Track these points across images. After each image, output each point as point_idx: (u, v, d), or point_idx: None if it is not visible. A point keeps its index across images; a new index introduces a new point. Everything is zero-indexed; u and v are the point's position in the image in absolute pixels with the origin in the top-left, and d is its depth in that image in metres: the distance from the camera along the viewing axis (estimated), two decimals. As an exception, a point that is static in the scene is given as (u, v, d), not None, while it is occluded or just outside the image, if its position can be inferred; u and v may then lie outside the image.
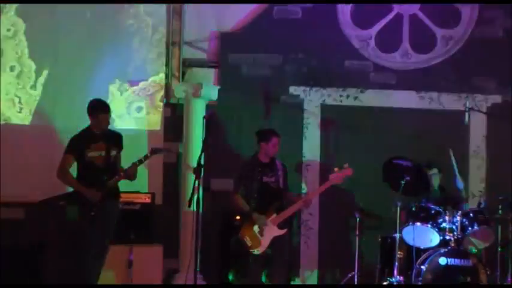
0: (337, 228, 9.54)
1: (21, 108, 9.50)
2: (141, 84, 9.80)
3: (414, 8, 10.02)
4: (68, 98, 9.63)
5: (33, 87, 9.50)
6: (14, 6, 9.44)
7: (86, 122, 8.09)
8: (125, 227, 8.54)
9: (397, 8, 10.02)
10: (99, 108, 8.09)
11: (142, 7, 9.75)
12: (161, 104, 9.81)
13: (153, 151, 8.29)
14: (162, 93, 9.82)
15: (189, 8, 9.92)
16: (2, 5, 9.44)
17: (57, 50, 9.69)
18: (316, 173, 9.79)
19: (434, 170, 9.17)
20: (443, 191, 9.24)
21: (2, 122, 9.47)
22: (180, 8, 9.89)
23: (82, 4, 9.63)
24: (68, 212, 8.08)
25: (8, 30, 9.43)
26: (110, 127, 8.42)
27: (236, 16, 9.96)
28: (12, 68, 9.46)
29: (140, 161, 8.06)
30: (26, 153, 9.43)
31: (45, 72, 9.52)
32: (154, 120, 9.79)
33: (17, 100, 9.50)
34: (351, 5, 9.99)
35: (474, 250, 8.64)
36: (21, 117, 9.52)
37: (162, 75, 9.82)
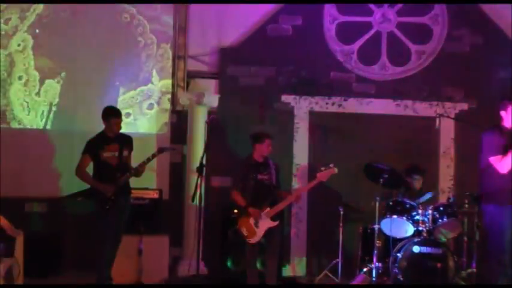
0: (324, 220, 9.47)
1: (29, 112, 9.51)
2: (147, 91, 9.80)
3: (391, 26, 9.98)
4: (86, 103, 9.60)
5: (37, 94, 9.50)
6: (27, 24, 9.46)
7: (101, 126, 8.12)
8: (135, 219, 8.52)
9: (376, 26, 9.97)
10: (111, 114, 8.16)
11: (148, 26, 9.72)
12: (165, 108, 9.78)
13: (160, 150, 8.36)
14: (167, 99, 9.78)
15: (192, 25, 9.90)
16: (15, 23, 9.46)
17: (76, 60, 9.68)
18: (305, 171, 9.76)
19: (417, 177, 9.17)
20: (421, 189, 9.21)
21: (19, 126, 9.50)
22: (185, 26, 9.88)
23: (97, 19, 9.63)
24: (85, 206, 8.23)
25: (19, 45, 9.42)
26: (125, 131, 8.42)
27: (234, 33, 9.94)
28: (20, 78, 9.48)
29: (148, 159, 8.11)
30: (48, 155, 9.45)
31: (47, 81, 9.53)
32: (160, 123, 9.77)
33: (25, 105, 9.51)
34: (335, 22, 9.93)
35: (443, 239, 8.64)
36: (30, 119, 9.53)
37: (166, 84, 9.79)
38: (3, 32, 9.48)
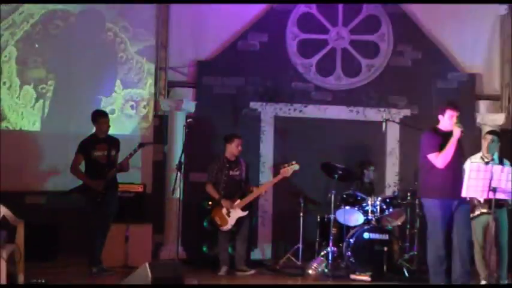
0: (286, 210, 9.45)
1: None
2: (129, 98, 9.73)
3: (345, 43, 9.97)
4: (77, 109, 9.50)
5: (18, 97, 9.41)
6: (15, 38, 9.41)
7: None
8: (122, 210, 8.50)
9: (332, 43, 9.97)
10: (99, 115, 8.25)
11: (128, 43, 9.67)
12: (146, 112, 9.71)
13: (140, 145, 8.39)
14: (149, 106, 9.72)
15: (172, 41, 9.83)
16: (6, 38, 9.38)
17: (63, 71, 9.60)
18: (270, 168, 9.78)
19: (372, 167, 9.28)
20: (371, 184, 9.32)
21: (17, 128, 9.42)
22: (166, 41, 9.82)
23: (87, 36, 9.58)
24: (79, 199, 8.19)
25: (5, 56, 9.35)
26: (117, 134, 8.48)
27: (209, 48, 9.91)
28: (4, 83, 9.40)
29: (131, 154, 8.15)
30: (44, 154, 9.38)
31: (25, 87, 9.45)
32: (144, 126, 9.69)
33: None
34: (297, 39, 9.94)
35: (390, 227, 8.67)
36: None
37: (144, 93, 9.71)
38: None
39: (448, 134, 7.03)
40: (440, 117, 7.21)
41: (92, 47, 9.65)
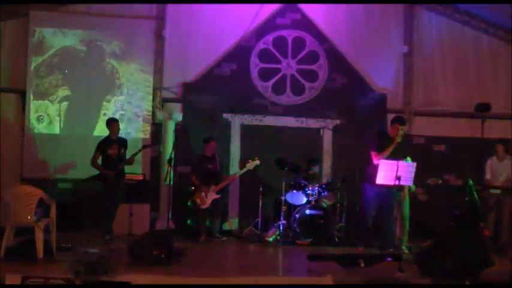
0: (249, 194, 9.42)
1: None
2: (135, 110, 9.71)
3: (293, 71, 9.97)
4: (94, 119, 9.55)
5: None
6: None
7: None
8: (128, 193, 8.55)
9: (283, 70, 9.96)
10: (111, 120, 8.34)
11: (134, 71, 9.63)
12: (146, 121, 9.69)
13: (144, 146, 8.52)
14: (148, 116, 9.68)
15: (165, 68, 9.78)
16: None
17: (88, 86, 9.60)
18: (237, 163, 9.76)
19: (315, 167, 9.27)
20: (315, 175, 9.28)
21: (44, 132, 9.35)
22: (161, 68, 9.79)
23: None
24: (97, 185, 8.28)
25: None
26: (124, 136, 8.55)
27: (193, 73, 9.85)
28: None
29: (136, 153, 8.24)
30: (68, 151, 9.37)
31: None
32: (145, 131, 9.67)
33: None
34: (257, 68, 9.91)
35: (325, 205, 8.70)
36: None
37: (145, 106, 9.66)
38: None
39: (391, 139, 7.28)
40: (390, 126, 7.46)
41: (100, 75, 9.65)
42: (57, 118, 9.46)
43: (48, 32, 9.48)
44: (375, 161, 7.18)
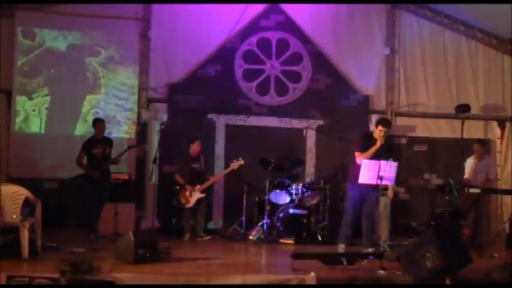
0: (234, 193, 9.43)
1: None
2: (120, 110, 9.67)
3: (277, 72, 9.98)
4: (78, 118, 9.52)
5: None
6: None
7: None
8: (113, 192, 8.51)
9: (267, 71, 9.97)
10: (97, 120, 8.30)
11: (121, 71, 9.61)
12: (132, 120, 9.65)
13: (129, 147, 8.50)
14: (134, 116, 9.66)
15: (151, 68, 9.75)
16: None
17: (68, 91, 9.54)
18: (222, 163, 9.70)
19: (298, 168, 9.28)
20: (298, 174, 9.26)
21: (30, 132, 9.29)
22: (147, 69, 9.76)
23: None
24: (82, 184, 8.23)
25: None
26: (108, 136, 8.51)
27: (178, 74, 9.81)
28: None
29: (122, 153, 8.24)
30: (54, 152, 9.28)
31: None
32: (130, 131, 9.64)
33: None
34: (242, 69, 9.90)
35: (308, 205, 8.69)
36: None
37: (130, 106, 9.64)
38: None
39: (376, 141, 7.33)
40: (374, 127, 7.51)
41: (83, 75, 9.61)
42: (33, 113, 9.39)
43: (34, 32, 9.45)
44: (358, 161, 7.22)
